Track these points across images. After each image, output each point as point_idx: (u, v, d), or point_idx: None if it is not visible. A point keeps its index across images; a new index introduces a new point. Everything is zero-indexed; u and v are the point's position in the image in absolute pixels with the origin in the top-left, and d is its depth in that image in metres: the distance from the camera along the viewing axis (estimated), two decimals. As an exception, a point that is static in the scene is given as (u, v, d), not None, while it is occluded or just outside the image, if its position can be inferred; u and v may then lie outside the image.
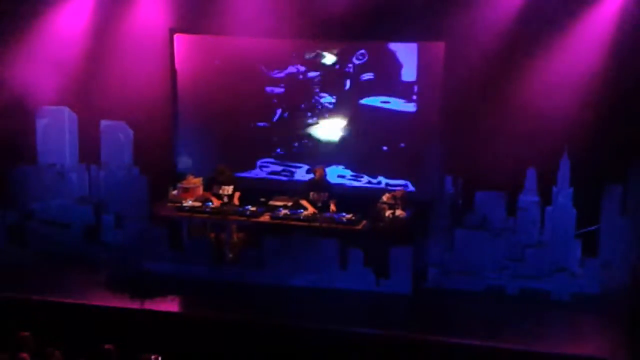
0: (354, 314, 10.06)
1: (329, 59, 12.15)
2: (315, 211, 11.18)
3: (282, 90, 12.47)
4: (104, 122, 12.15)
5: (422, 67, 11.91)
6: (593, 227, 10.74)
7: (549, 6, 11.01)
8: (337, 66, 12.21)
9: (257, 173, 12.72)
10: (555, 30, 11.02)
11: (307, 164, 12.41)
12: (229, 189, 11.53)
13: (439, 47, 11.68)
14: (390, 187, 11.98)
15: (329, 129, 12.38)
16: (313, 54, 12.10)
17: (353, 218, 10.96)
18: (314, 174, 11.65)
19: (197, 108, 12.75)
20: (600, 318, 10.00)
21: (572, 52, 10.98)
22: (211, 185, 11.62)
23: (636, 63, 10.71)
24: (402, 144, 12.15)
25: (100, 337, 9.13)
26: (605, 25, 10.87)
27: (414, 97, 11.99)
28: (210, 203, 11.42)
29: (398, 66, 11.99)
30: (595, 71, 10.87)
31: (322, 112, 12.38)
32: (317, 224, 10.95)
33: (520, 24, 11.09)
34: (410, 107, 12.01)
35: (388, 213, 10.98)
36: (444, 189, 10.96)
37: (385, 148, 12.21)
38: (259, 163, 12.70)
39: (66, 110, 12.23)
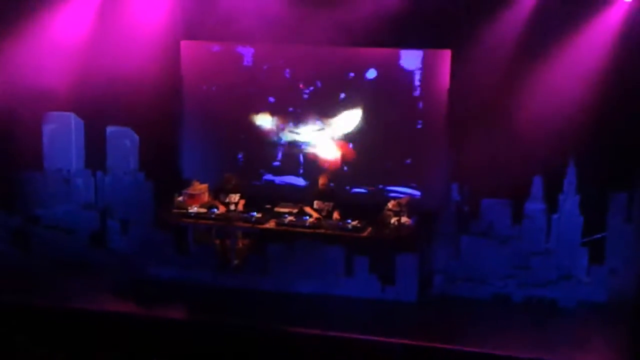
0: (359, 321, 10.03)
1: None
2: (321, 217, 11.16)
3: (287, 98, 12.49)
4: (110, 128, 12.16)
5: (429, 74, 11.90)
6: (599, 235, 10.71)
7: (554, 15, 11.00)
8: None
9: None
10: (561, 38, 11.01)
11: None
12: (235, 197, 11.53)
13: (445, 55, 11.67)
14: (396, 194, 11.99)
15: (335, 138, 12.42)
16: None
17: (358, 225, 10.94)
18: (318, 182, 11.63)
19: (203, 114, 12.75)
20: (607, 326, 9.97)
21: (577, 60, 10.96)
22: (218, 193, 11.62)
23: (641, 71, 10.73)
24: (409, 151, 12.15)
25: (105, 343, 9.16)
26: (610, 33, 10.87)
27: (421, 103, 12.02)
28: (216, 209, 11.41)
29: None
30: (601, 79, 10.86)
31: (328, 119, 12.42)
32: (323, 231, 10.93)
33: (526, 33, 11.09)
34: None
35: (394, 220, 10.96)
36: (450, 196, 10.93)
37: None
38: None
39: (72, 116, 12.23)
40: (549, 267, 10.52)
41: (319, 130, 12.44)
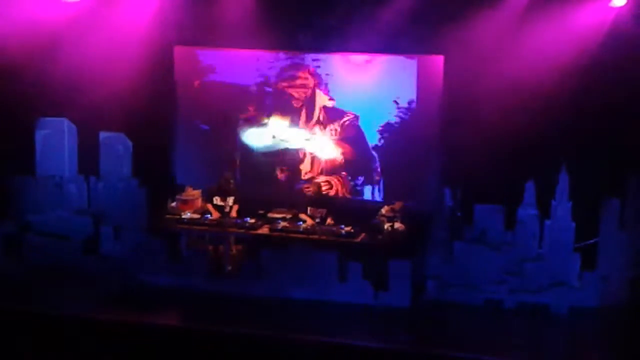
0: (352, 326, 10.04)
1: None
2: (314, 223, 11.18)
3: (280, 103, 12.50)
4: (103, 134, 12.14)
5: (422, 80, 11.94)
6: (592, 241, 10.75)
7: (548, 17, 11.05)
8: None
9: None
10: (553, 44, 11.05)
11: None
12: (229, 201, 11.53)
13: (438, 61, 11.71)
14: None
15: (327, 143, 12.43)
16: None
17: (352, 230, 10.95)
18: (310, 189, 11.66)
19: (197, 120, 12.76)
20: (599, 332, 10.00)
21: (571, 67, 11.00)
22: (214, 193, 11.59)
23: (635, 77, 10.76)
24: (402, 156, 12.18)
25: (98, 350, 9.15)
26: (603, 38, 10.92)
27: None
28: (209, 215, 11.41)
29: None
30: (594, 86, 10.91)
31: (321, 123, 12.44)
32: (316, 237, 10.94)
33: (519, 36, 11.13)
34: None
35: (387, 226, 10.98)
36: (443, 201, 10.96)
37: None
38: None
39: (65, 121, 12.21)
40: (542, 273, 10.55)
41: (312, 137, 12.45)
